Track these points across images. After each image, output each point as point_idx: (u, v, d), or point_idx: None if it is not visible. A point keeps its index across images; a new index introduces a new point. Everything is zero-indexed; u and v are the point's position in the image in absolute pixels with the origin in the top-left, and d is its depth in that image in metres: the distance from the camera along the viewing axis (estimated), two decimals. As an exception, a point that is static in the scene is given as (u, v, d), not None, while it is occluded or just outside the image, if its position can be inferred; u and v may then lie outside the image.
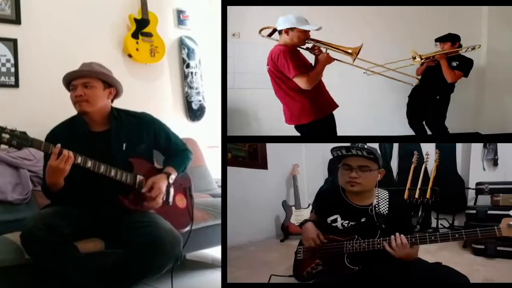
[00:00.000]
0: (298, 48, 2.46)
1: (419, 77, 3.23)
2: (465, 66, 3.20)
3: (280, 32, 2.41)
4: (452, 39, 3.18)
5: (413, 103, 3.38)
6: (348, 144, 1.82)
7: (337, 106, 2.52)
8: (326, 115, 2.48)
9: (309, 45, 2.45)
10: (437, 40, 3.24)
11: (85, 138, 2.29)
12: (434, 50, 3.21)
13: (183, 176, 2.57)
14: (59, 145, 2.06)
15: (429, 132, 3.43)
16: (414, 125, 3.45)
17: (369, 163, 1.81)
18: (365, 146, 1.81)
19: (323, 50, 2.45)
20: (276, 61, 2.35)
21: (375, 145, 4.10)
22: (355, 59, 2.47)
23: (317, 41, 2.45)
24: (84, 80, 2.27)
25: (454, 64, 3.19)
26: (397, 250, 1.70)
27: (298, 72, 2.32)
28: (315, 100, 2.44)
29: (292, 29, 2.36)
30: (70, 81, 2.30)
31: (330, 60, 2.43)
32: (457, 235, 1.71)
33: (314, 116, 2.43)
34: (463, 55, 3.21)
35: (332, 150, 1.85)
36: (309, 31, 2.38)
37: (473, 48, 3.14)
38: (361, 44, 2.43)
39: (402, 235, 1.71)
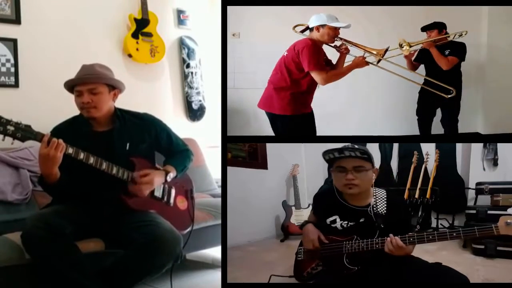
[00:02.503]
0: (326, 45, 2.56)
1: (423, 76, 3.12)
2: (458, 50, 3.10)
3: (311, 29, 2.52)
4: (438, 26, 3.10)
5: (424, 99, 3.21)
6: (339, 146, 1.79)
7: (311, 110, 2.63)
8: (303, 114, 2.57)
9: (337, 43, 2.56)
10: (423, 29, 3.16)
11: (88, 138, 2.29)
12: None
13: (184, 178, 2.57)
14: (48, 133, 2.06)
15: (441, 130, 3.31)
16: (423, 121, 3.29)
17: (364, 163, 1.79)
18: (356, 146, 1.78)
19: (350, 48, 2.55)
20: (300, 51, 2.45)
21: (375, 145, 4.12)
22: (380, 60, 2.55)
23: (345, 40, 2.55)
24: (90, 86, 2.24)
25: (447, 52, 3.09)
26: (394, 251, 1.70)
27: (317, 67, 2.43)
28: (301, 97, 2.54)
29: (323, 26, 2.47)
30: (74, 86, 2.28)
31: (363, 64, 2.53)
32: (454, 234, 1.71)
33: (293, 112, 2.53)
34: (454, 41, 3.11)
35: (324, 154, 1.83)
36: (338, 29, 2.49)
37: (460, 35, 3.06)
38: (387, 46, 2.54)
39: (396, 237, 1.69)
